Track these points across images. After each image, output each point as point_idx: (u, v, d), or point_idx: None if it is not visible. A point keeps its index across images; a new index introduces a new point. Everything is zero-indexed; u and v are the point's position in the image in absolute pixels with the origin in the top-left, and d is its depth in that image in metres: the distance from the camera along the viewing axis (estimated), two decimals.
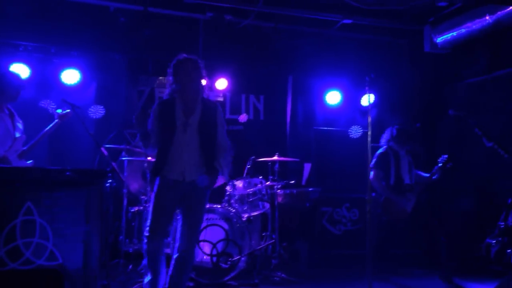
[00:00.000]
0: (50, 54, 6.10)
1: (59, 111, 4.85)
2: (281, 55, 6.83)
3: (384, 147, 5.73)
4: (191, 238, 3.78)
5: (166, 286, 3.79)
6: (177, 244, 3.81)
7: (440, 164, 5.51)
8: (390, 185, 5.54)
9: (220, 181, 4.95)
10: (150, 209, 3.73)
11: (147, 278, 3.73)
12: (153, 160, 3.91)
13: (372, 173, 5.56)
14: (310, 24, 6.63)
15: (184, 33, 6.43)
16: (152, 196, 3.76)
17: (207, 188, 3.80)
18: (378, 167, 5.56)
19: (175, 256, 3.81)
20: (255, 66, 6.85)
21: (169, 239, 5.03)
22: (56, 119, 4.84)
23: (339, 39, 6.94)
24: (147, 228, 3.70)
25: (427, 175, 5.65)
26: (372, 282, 3.91)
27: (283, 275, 5.16)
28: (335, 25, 6.63)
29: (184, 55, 3.87)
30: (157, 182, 3.76)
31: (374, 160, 5.59)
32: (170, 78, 3.87)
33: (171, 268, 3.80)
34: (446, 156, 5.51)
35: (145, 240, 3.69)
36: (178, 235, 3.81)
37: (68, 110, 4.83)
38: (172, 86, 3.85)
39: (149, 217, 3.71)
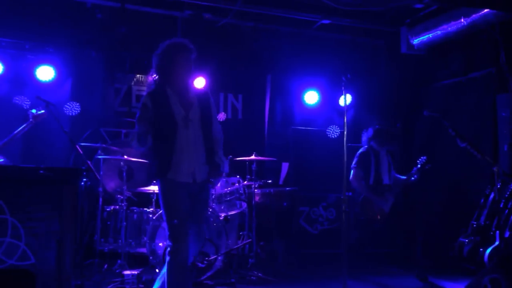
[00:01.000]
0: (24, 50, 5.99)
1: (33, 111, 4.77)
2: (260, 54, 6.83)
3: (365, 146, 5.78)
4: (201, 234, 3.58)
5: None
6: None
7: (419, 165, 5.58)
8: (369, 185, 5.59)
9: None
10: (168, 218, 3.37)
11: None
12: (153, 160, 3.54)
13: (352, 172, 5.62)
14: (289, 24, 6.65)
15: (162, 30, 6.37)
16: (166, 205, 3.41)
17: (213, 186, 3.63)
18: (358, 166, 5.61)
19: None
20: (234, 65, 6.84)
21: (145, 238, 5.00)
22: (31, 119, 4.77)
23: (317, 39, 6.98)
24: (170, 240, 3.33)
25: (404, 177, 5.72)
26: (347, 281, 3.94)
27: (260, 274, 5.17)
28: (314, 25, 6.67)
29: (178, 39, 3.53)
30: (163, 186, 3.43)
31: (355, 159, 5.64)
32: (160, 63, 3.47)
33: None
34: (425, 157, 5.58)
35: (170, 254, 3.32)
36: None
37: (43, 111, 4.76)
38: (161, 74, 3.48)
39: (171, 230, 3.34)
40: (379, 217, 5.47)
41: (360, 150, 5.75)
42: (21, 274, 3.06)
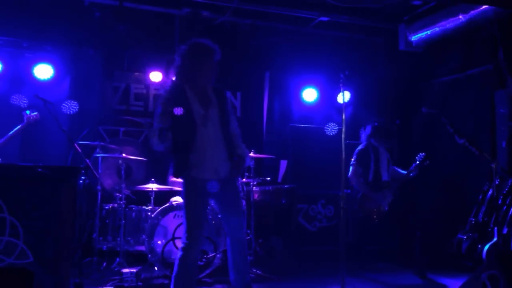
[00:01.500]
0: (22, 48, 5.99)
1: (27, 112, 4.79)
2: (258, 52, 6.82)
3: (364, 143, 5.78)
4: (242, 225, 3.67)
5: (233, 273, 3.65)
6: (227, 230, 3.66)
7: (417, 162, 5.57)
8: (368, 182, 5.59)
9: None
10: (188, 215, 3.48)
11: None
12: (173, 159, 3.60)
13: (351, 169, 5.62)
14: (288, 21, 6.64)
15: (160, 28, 6.37)
16: (187, 201, 3.51)
17: (237, 177, 3.71)
18: (357, 164, 5.61)
19: (230, 241, 3.64)
20: (232, 62, 6.82)
21: (143, 236, 5.00)
22: (25, 120, 4.79)
23: (316, 37, 6.98)
24: (187, 235, 3.45)
25: (404, 172, 5.72)
26: (346, 278, 3.94)
27: (258, 271, 5.17)
28: (312, 23, 6.66)
29: (203, 40, 3.58)
30: (186, 184, 3.52)
31: (354, 157, 5.64)
32: (183, 63, 3.53)
33: (230, 252, 3.64)
34: (423, 154, 5.57)
35: (183, 249, 3.43)
36: (223, 223, 3.69)
37: (36, 113, 4.79)
38: (181, 72, 3.54)
39: (189, 224, 3.45)
40: (377, 214, 5.48)
41: (359, 147, 5.75)
42: (20, 272, 3.05)
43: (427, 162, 5.53)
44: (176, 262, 3.47)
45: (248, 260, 3.81)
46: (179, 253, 3.49)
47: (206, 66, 3.55)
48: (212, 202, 5.09)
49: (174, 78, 3.60)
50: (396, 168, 5.85)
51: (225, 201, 3.64)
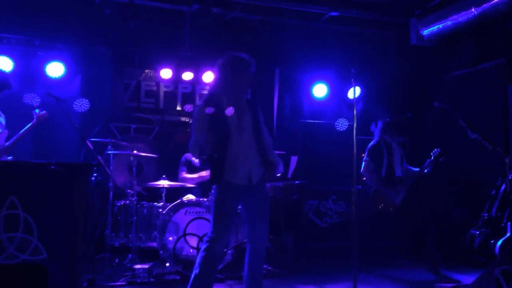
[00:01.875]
0: (34, 47, 6.03)
1: (36, 111, 4.84)
2: (268, 48, 6.80)
3: (377, 139, 5.74)
4: (266, 230, 3.77)
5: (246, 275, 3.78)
6: (249, 237, 3.78)
7: (432, 158, 5.51)
8: (381, 177, 5.54)
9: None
10: (216, 212, 3.64)
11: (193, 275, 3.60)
12: (210, 165, 3.76)
13: (363, 165, 5.59)
14: (297, 17, 6.62)
15: (170, 25, 6.39)
16: (217, 200, 3.66)
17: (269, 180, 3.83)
18: (370, 159, 5.57)
19: (250, 249, 3.78)
20: (250, 57, 6.82)
21: (155, 233, 5.03)
22: (34, 119, 4.84)
23: (326, 32, 6.94)
24: (213, 230, 3.60)
25: (417, 169, 5.67)
26: (358, 274, 3.93)
27: (269, 267, 5.18)
28: (322, 18, 6.64)
29: (241, 54, 3.81)
30: (219, 187, 3.67)
31: (366, 152, 5.61)
32: (222, 75, 3.75)
33: (248, 259, 3.77)
34: (438, 149, 5.51)
35: (207, 244, 3.58)
36: (248, 230, 3.80)
37: (45, 111, 4.85)
38: (218, 84, 3.77)
39: (215, 220, 3.62)
40: (390, 209, 5.45)
41: (372, 143, 5.71)
42: (34, 268, 3.09)
43: (442, 158, 5.48)
44: (201, 254, 3.58)
45: (263, 268, 3.99)
46: (203, 245, 3.62)
47: (244, 78, 3.76)
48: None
49: (212, 89, 3.86)
50: (409, 167, 5.78)
51: (253, 208, 3.76)
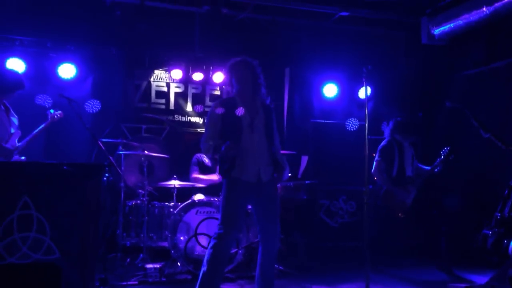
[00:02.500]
0: (46, 49, 6.08)
1: (51, 111, 4.88)
2: (278, 48, 6.81)
3: (388, 138, 5.71)
4: (277, 231, 3.80)
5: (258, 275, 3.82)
6: (261, 238, 3.82)
7: (442, 157, 5.47)
8: (392, 177, 5.53)
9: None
10: (224, 209, 3.69)
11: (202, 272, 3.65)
12: (220, 161, 3.84)
13: (374, 165, 5.57)
14: (308, 17, 6.61)
15: (181, 26, 6.42)
16: (225, 196, 3.72)
17: (278, 182, 3.89)
18: (381, 159, 5.56)
19: (262, 249, 3.82)
20: (252, 59, 6.83)
21: (166, 232, 5.05)
22: (49, 119, 4.87)
23: (336, 32, 6.93)
24: (220, 226, 3.65)
25: (428, 168, 5.64)
26: (370, 274, 3.92)
27: (280, 267, 5.17)
28: (332, 18, 6.62)
29: (241, 57, 3.91)
30: (227, 182, 3.73)
31: (377, 152, 5.59)
32: (229, 78, 3.90)
33: (260, 259, 3.82)
34: (448, 148, 5.48)
35: (215, 241, 3.62)
36: (259, 231, 3.82)
37: (60, 111, 4.87)
38: (231, 87, 3.90)
39: (223, 217, 3.67)
40: (401, 209, 5.42)
41: (383, 143, 5.69)
42: (48, 268, 3.11)
43: (452, 156, 5.44)
44: (209, 251, 3.61)
45: (275, 268, 4.03)
46: (211, 242, 3.65)
47: (247, 79, 3.83)
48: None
49: (226, 89, 4.06)
50: (420, 165, 5.77)
51: (264, 208, 3.78)
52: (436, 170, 5.53)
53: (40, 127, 4.87)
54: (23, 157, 4.78)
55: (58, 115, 4.95)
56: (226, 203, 3.70)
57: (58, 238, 3.51)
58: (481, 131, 5.03)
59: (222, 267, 3.72)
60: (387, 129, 5.78)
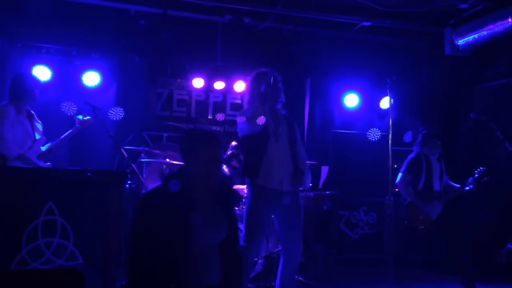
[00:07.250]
0: (71, 56, 6.17)
1: (79, 117, 4.91)
2: (299, 58, 6.80)
3: (416, 151, 5.55)
4: (299, 243, 3.80)
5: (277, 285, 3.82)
6: (282, 249, 3.82)
7: (476, 176, 5.24)
8: (417, 190, 5.36)
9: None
10: (248, 218, 3.72)
11: None
12: (244, 168, 3.91)
13: (399, 176, 5.41)
14: (329, 27, 6.61)
15: (203, 35, 6.46)
16: (250, 206, 3.74)
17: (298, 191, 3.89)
18: (407, 171, 5.39)
19: (283, 260, 3.82)
20: (273, 68, 6.84)
21: None
22: (77, 124, 4.91)
23: (357, 42, 6.90)
24: (245, 238, 3.67)
25: (458, 186, 5.43)
26: (392, 287, 3.87)
27: (300, 278, 5.13)
28: (354, 28, 6.61)
29: (263, 68, 3.97)
30: (252, 190, 3.76)
31: (404, 164, 5.44)
32: (251, 89, 3.95)
33: (281, 270, 3.82)
34: (483, 168, 5.24)
35: (241, 247, 3.62)
36: (281, 242, 3.83)
37: (89, 117, 4.90)
38: (257, 97, 3.92)
39: (247, 227, 3.70)
40: (424, 223, 5.28)
41: (411, 156, 5.49)
42: (71, 274, 3.13)
43: (488, 177, 5.18)
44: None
45: (295, 280, 3.99)
46: None
47: (266, 89, 3.86)
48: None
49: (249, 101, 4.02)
50: (449, 182, 5.58)
51: (288, 218, 3.77)
52: (466, 188, 5.29)
53: (67, 132, 4.90)
54: (48, 163, 4.84)
55: (87, 121, 4.97)
56: (250, 212, 3.70)
57: (81, 244, 3.53)
58: (507, 143, 4.94)
59: (246, 277, 3.72)
60: (415, 142, 5.61)
